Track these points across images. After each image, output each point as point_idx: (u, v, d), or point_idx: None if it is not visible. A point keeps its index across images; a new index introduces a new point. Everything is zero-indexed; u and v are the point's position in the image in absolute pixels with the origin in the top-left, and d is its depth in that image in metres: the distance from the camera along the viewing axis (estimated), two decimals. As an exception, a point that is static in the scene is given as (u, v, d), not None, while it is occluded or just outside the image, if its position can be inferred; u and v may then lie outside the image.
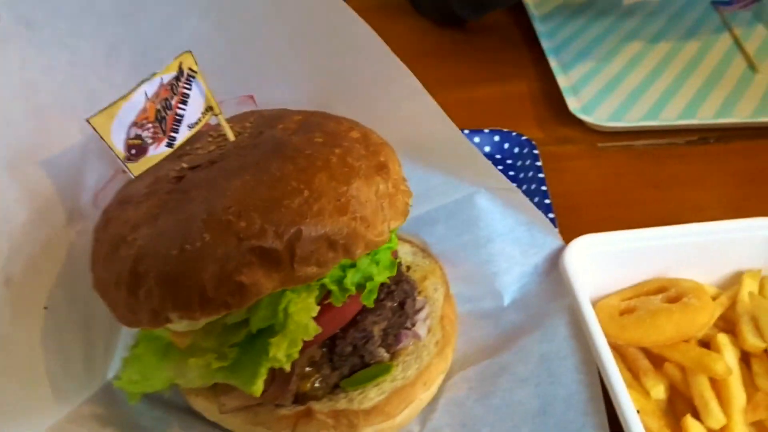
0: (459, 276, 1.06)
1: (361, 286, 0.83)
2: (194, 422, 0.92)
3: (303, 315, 0.76)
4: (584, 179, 1.40)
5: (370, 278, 0.82)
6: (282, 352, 0.76)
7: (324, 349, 0.88)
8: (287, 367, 0.77)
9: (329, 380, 0.88)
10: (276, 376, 0.83)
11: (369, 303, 0.84)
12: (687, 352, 0.88)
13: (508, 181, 1.03)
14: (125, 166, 0.78)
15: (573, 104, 1.53)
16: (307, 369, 0.87)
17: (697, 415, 0.84)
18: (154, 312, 0.73)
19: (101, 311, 0.83)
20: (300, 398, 0.86)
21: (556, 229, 1.08)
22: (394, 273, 0.87)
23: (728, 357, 0.86)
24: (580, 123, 1.52)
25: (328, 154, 0.77)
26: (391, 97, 0.96)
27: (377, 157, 0.81)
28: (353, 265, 0.82)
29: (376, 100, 0.96)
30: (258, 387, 0.77)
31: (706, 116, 1.51)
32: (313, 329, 0.77)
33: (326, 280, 0.80)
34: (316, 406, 0.85)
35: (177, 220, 0.74)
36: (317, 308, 0.78)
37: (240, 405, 0.86)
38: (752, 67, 1.68)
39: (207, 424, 0.91)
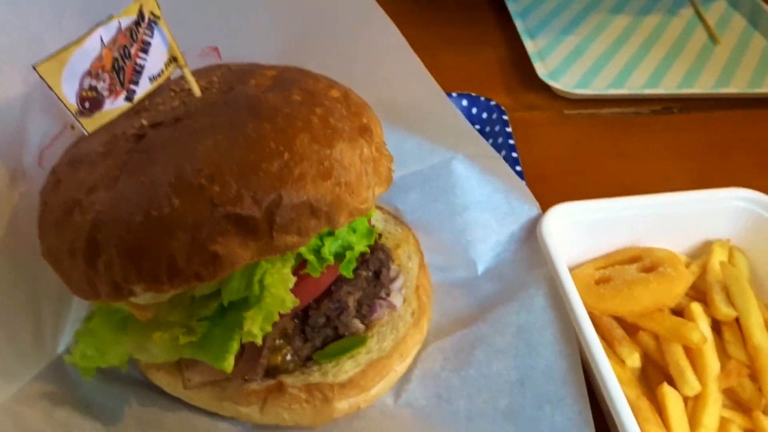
0: (432, 245, 1.03)
1: (338, 256, 0.79)
2: (155, 398, 0.86)
3: (279, 287, 0.71)
4: (551, 147, 1.39)
5: (349, 247, 0.78)
6: (257, 327, 0.71)
7: (296, 321, 0.84)
8: (259, 341, 0.73)
9: (301, 353, 0.84)
10: (246, 350, 0.78)
11: (348, 273, 0.79)
12: (662, 321, 0.88)
13: (490, 147, 1.00)
14: (78, 121, 0.70)
15: (540, 69, 1.51)
16: (279, 341, 0.83)
17: (671, 383, 0.84)
18: (115, 284, 0.67)
19: (50, 280, 0.77)
20: (271, 372, 0.82)
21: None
22: (372, 241, 0.83)
23: (702, 326, 0.87)
24: (547, 90, 1.50)
25: (308, 114, 0.71)
26: (371, 53, 0.90)
27: (359, 118, 0.76)
28: (331, 233, 0.77)
29: (355, 56, 0.90)
30: (229, 363, 0.72)
31: (669, 86, 1.52)
32: (291, 302, 0.72)
33: (303, 250, 0.75)
34: (287, 380, 0.82)
35: (140, 183, 0.67)
36: (294, 279, 0.73)
37: (206, 380, 0.81)
38: (713, 38, 1.70)
39: (169, 399, 0.85)
